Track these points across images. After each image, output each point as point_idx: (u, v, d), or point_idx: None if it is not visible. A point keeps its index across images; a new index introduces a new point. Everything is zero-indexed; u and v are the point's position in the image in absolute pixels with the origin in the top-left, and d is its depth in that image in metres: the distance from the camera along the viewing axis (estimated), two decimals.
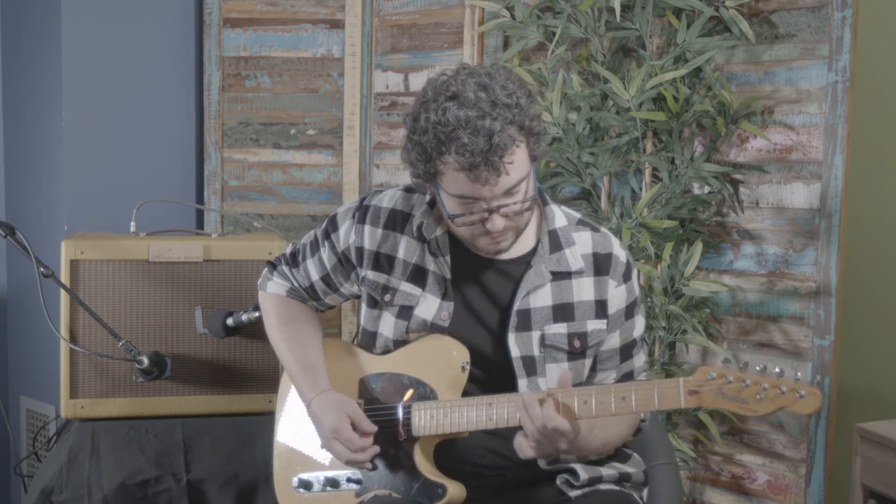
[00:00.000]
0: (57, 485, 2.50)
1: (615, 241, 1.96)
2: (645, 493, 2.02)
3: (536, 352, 1.89)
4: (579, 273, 1.91)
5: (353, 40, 3.32)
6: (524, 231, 1.90)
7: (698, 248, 2.67)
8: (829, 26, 2.54)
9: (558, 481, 1.92)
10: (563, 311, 1.91)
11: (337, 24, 3.33)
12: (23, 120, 3.44)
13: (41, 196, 3.36)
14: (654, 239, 2.67)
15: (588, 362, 1.93)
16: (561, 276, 1.91)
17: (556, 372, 1.89)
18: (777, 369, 1.65)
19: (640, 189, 2.79)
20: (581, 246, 1.93)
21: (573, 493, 1.91)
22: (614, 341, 1.95)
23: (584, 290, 1.92)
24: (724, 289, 2.68)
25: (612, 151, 2.74)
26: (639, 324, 1.99)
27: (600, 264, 1.93)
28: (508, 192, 1.78)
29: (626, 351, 1.98)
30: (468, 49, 3.10)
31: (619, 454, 2.01)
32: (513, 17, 2.88)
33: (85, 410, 2.60)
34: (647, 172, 2.77)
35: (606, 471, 1.95)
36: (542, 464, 1.92)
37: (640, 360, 2.01)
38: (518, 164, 1.77)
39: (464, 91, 1.75)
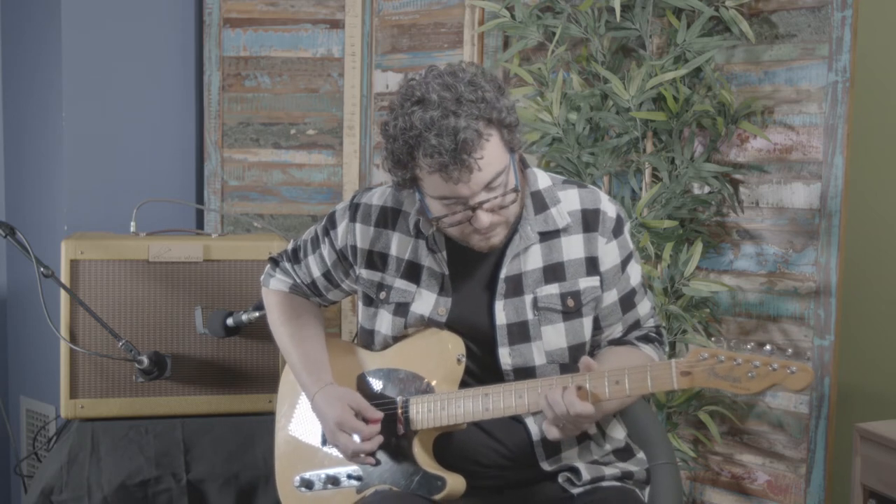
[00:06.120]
0: (57, 485, 2.50)
1: (604, 197, 1.94)
2: (647, 491, 2.01)
3: (530, 315, 1.89)
4: (567, 230, 1.90)
5: (353, 40, 3.32)
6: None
7: (698, 248, 2.67)
8: (829, 26, 2.54)
9: (560, 479, 1.92)
10: (553, 272, 1.90)
11: (337, 24, 3.33)
12: (23, 120, 3.44)
13: (41, 196, 3.36)
14: (654, 239, 2.67)
15: (587, 321, 1.92)
16: (549, 235, 1.90)
17: (552, 334, 1.88)
18: (767, 347, 1.66)
19: (640, 189, 2.79)
20: (567, 203, 1.92)
21: (576, 490, 1.90)
22: (612, 296, 1.94)
23: (573, 247, 1.90)
24: (724, 289, 2.68)
25: (612, 151, 2.74)
26: (634, 272, 1.96)
27: (589, 220, 1.91)
28: (487, 186, 1.77)
29: (627, 301, 1.96)
30: (468, 49, 3.10)
31: (622, 453, 2.00)
32: (513, 17, 2.88)
33: (85, 410, 2.61)
34: (647, 172, 2.77)
35: (609, 470, 1.94)
36: (545, 466, 1.92)
37: (644, 307, 2.00)
38: (491, 157, 1.75)
39: (428, 94, 1.75)
